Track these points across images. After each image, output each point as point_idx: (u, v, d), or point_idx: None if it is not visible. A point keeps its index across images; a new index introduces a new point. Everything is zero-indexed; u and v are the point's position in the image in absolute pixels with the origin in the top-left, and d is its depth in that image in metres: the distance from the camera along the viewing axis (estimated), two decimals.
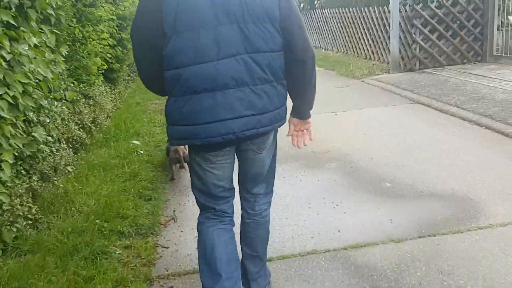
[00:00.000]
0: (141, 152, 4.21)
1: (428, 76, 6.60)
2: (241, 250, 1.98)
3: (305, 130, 1.91)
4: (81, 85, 4.20)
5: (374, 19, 8.24)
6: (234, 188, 1.87)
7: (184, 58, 1.54)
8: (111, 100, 5.42)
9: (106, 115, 4.92)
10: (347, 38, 9.92)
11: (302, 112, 1.84)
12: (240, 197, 1.94)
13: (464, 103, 4.94)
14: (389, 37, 7.74)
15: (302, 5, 12.45)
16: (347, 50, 10.07)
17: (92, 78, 4.35)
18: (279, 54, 1.63)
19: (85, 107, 4.33)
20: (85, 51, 4.17)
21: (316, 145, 4.18)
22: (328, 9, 10.91)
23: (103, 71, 5.24)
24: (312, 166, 3.66)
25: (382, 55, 8.20)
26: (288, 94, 1.76)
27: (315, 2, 11.79)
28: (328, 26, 11.08)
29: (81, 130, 4.14)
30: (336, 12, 10.27)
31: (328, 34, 11.22)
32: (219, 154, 1.71)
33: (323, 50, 11.58)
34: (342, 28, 10.11)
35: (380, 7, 7.93)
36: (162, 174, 3.72)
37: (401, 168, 3.44)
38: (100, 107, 4.80)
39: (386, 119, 4.83)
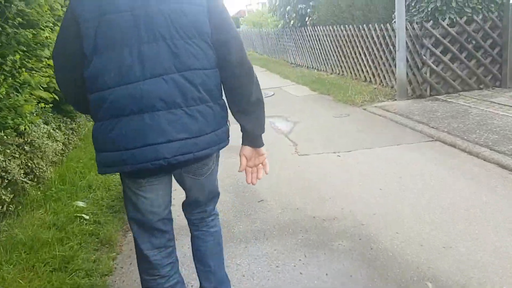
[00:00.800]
0: (86, 217, 3.16)
1: (443, 105, 5.67)
2: (196, 270, 1.92)
3: (260, 164, 1.78)
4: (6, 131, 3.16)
5: (375, 38, 7.36)
6: (172, 229, 1.77)
7: (107, 79, 1.46)
8: (62, 141, 4.37)
9: (49, 163, 3.87)
10: (343, 58, 9.04)
11: (252, 138, 1.71)
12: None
13: (497, 144, 3.99)
14: (392, 58, 6.86)
15: (292, 22, 11.63)
16: (343, 72, 9.18)
17: (26, 120, 3.32)
18: (213, 71, 1.55)
19: (14, 157, 3.29)
20: (9, 85, 3.15)
21: (318, 205, 3.17)
22: (321, 27, 10.06)
23: (53, 103, 4.24)
24: (316, 245, 2.63)
25: (385, 78, 7.29)
26: (231, 114, 1.67)
27: (306, 19, 10.97)
28: (321, 45, 10.22)
29: (5, 190, 3.09)
30: (330, 30, 9.42)
31: (321, 54, 10.35)
32: (151, 178, 1.63)
33: (316, 71, 10.69)
34: (337, 48, 9.24)
35: (382, 25, 7.06)
36: (108, 256, 2.68)
37: (442, 252, 2.44)
38: (41, 153, 3.75)
39: (403, 164, 3.86)
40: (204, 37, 1.49)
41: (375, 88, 7.36)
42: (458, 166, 3.71)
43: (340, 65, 9.25)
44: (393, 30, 6.70)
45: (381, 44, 7.24)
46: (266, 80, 10.51)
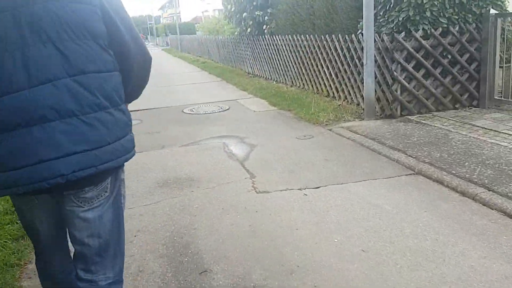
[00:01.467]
0: None
1: (418, 128, 5.03)
2: None
3: None
4: None
5: (339, 50, 6.69)
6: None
7: None
8: None
9: None
10: (303, 70, 8.33)
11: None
12: None
13: (495, 182, 3.31)
14: (358, 73, 6.20)
15: (249, 29, 10.84)
16: (304, 85, 8.47)
17: None
18: (112, 75, 1.44)
19: None
20: None
21: (281, 281, 2.31)
22: (279, 36, 9.33)
23: None
24: None
25: (350, 95, 6.62)
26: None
27: (264, 27, 10.23)
28: (280, 55, 9.49)
29: None
30: (290, 40, 8.70)
31: (280, 65, 9.62)
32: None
33: (275, 83, 9.94)
34: (297, 59, 8.53)
35: (346, 36, 6.40)
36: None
37: None
38: None
39: (386, 211, 3.09)
40: (97, 39, 1.40)
41: (339, 105, 6.67)
42: (454, 214, 2.98)
43: (301, 78, 8.54)
44: (359, 41, 6.05)
45: (345, 57, 6.57)
46: (222, 92, 9.62)
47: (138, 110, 8.04)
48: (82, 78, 1.35)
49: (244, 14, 10.53)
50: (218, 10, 39.71)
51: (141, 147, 5.36)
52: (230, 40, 14.18)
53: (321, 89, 7.66)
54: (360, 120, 5.72)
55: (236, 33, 12.39)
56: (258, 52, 11.06)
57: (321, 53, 7.39)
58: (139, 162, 4.73)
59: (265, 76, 10.88)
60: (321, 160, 4.35)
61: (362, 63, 5.98)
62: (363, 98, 6.06)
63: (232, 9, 11.03)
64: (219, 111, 7.44)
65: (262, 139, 5.37)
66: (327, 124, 5.79)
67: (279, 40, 9.32)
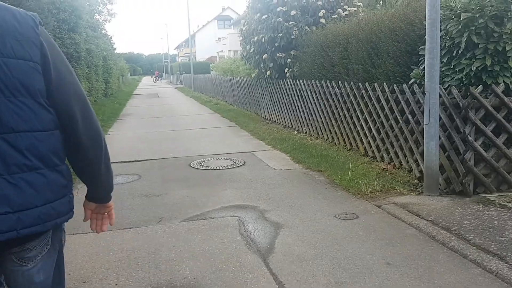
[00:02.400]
0: None
1: (508, 215, 3.69)
2: None
3: (106, 214, 1.62)
4: None
5: (383, 101, 5.50)
6: None
7: None
8: None
9: None
10: (333, 122, 7.14)
11: (99, 198, 1.59)
12: None
13: None
14: (411, 131, 4.96)
15: (268, 72, 9.80)
16: (332, 138, 7.25)
17: None
18: (49, 134, 1.36)
19: None
20: None
21: None
22: (304, 81, 8.24)
23: None
24: None
25: (398, 157, 5.35)
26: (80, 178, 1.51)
27: (286, 70, 9.18)
28: (304, 102, 8.36)
29: None
30: (317, 86, 7.58)
31: (304, 113, 8.46)
32: None
33: (296, 132, 8.75)
34: (326, 108, 7.37)
35: (395, 86, 5.22)
36: None
37: None
38: None
39: None
40: (35, 96, 1.32)
41: (384, 169, 5.39)
42: None
43: (330, 130, 7.33)
44: (412, 93, 4.86)
45: (392, 110, 5.36)
46: (236, 141, 8.44)
47: (140, 161, 6.84)
48: (11, 136, 1.29)
49: (265, 55, 9.52)
50: (233, 51, 39.63)
51: (133, 219, 4.11)
52: (246, 82, 13.21)
53: (356, 145, 6.41)
54: (418, 195, 4.41)
55: (253, 75, 11.39)
56: (278, 97, 9.96)
57: (358, 104, 6.21)
58: (126, 247, 3.47)
59: (284, 124, 9.71)
60: (381, 265, 3.01)
61: (417, 119, 4.76)
62: (417, 163, 4.78)
63: (251, 50, 10.06)
64: (233, 167, 6.20)
65: (289, 214, 4.08)
66: (372, 197, 4.49)
67: (304, 85, 8.21)
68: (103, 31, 19.88)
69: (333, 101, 7.01)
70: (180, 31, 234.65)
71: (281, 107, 9.83)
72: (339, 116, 6.87)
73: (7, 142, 1.28)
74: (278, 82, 9.82)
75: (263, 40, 9.34)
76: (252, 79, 11.90)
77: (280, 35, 8.95)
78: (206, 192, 4.97)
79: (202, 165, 6.39)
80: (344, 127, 6.74)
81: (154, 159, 6.98)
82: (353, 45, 6.42)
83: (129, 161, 6.88)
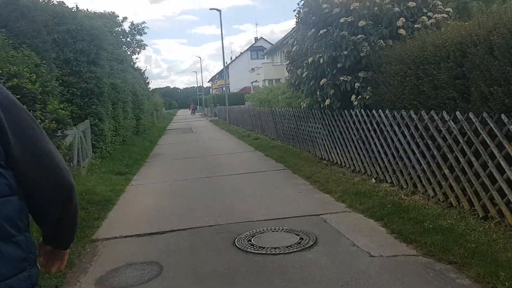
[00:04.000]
0: None
1: None
2: None
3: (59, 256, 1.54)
4: None
5: None
6: None
7: None
8: None
9: None
10: (444, 170, 4.84)
11: (57, 245, 1.51)
12: None
13: None
14: None
15: (327, 101, 7.66)
16: (446, 196, 4.92)
17: None
18: (5, 201, 1.23)
19: None
20: None
21: None
22: (387, 111, 6.05)
23: None
24: None
25: None
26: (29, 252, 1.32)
27: (353, 97, 7.03)
28: (386, 140, 6.13)
29: None
30: (412, 118, 5.37)
31: (385, 155, 6.22)
32: None
33: (374, 181, 6.47)
34: (429, 150, 5.10)
35: None
36: None
37: None
38: None
39: None
40: None
41: None
42: None
43: (439, 184, 5.00)
44: None
45: None
46: (291, 194, 6.25)
47: (164, 233, 4.80)
48: None
49: (323, 80, 7.43)
50: (268, 80, 38.10)
51: None
52: (293, 114, 11.14)
53: (501, 214, 4.05)
54: None
55: (303, 105, 9.29)
56: (341, 132, 7.77)
57: (500, 146, 3.93)
58: None
59: (352, 168, 7.45)
60: None
61: None
62: None
63: (304, 75, 8.01)
64: (300, 249, 4.02)
65: None
66: None
67: (387, 117, 6.00)
68: (135, 64, 18.54)
69: (444, 140, 4.75)
70: (213, 64, 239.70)
71: (346, 145, 7.61)
72: (457, 163, 4.57)
73: None
74: (340, 113, 7.65)
75: (320, 61, 7.27)
76: (302, 110, 9.80)
77: (345, 53, 6.86)
78: None
79: (254, 245, 4.23)
80: (470, 183, 4.42)
81: (183, 230, 4.91)
82: (478, 57, 4.20)
83: (150, 234, 4.85)
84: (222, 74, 61.96)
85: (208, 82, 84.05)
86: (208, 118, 39.98)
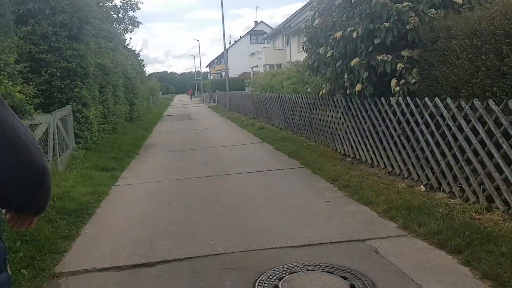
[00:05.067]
0: None
1: None
2: None
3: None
4: None
5: None
6: None
7: None
8: None
9: None
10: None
11: (28, 212, 1.40)
12: None
13: None
14: None
15: (358, 86, 6.23)
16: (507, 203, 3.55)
17: None
18: None
19: None
20: None
21: None
22: (449, 100, 4.65)
23: None
24: None
25: None
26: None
27: (393, 82, 5.61)
28: (444, 139, 4.73)
29: None
30: (487, 109, 3.97)
31: (442, 157, 4.82)
32: None
33: (423, 189, 5.09)
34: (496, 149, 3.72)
35: None
36: None
37: None
38: None
39: None
40: None
41: None
42: None
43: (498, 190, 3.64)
44: None
45: None
46: (318, 204, 4.82)
47: (155, 265, 3.43)
48: None
49: (355, 60, 5.99)
50: (269, 65, 36.47)
51: None
52: (307, 101, 9.72)
53: None
54: None
55: (323, 91, 7.86)
56: (373, 125, 6.37)
57: None
58: None
59: (389, 169, 6.03)
60: None
61: None
62: None
63: (329, 54, 6.56)
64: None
65: None
66: None
67: (447, 107, 4.60)
68: (128, 45, 16.89)
69: None
70: (212, 48, 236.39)
71: (381, 140, 6.22)
72: None
73: None
74: (374, 102, 6.24)
75: (353, 35, 5.83)
76: (320, 96, 8.37)
77: (386, 25, 5.41)
78: None
79: None
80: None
81: (180, 260, 3.55)
82: None
83: (134, 266, 3.49)
84: (220, 59, 60.14)
85: (206, 67, 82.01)
86: (207, 104, 38.42)
